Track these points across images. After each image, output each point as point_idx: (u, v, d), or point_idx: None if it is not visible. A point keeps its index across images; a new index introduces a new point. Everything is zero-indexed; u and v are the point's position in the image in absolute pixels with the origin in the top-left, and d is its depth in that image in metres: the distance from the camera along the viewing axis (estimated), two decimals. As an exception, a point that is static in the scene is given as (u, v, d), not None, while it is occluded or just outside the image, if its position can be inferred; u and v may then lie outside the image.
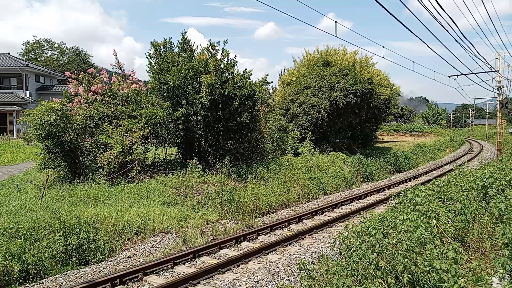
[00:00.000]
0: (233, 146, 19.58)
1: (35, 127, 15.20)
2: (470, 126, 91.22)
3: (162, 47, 19.19)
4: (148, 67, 19.12)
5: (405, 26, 11.23)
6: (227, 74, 18.84)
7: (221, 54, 18.94)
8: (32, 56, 58.14)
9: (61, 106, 15.98)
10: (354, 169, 23.59)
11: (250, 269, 9.04)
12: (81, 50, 62.33)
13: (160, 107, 17.31)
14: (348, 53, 35.50)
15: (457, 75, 28.79)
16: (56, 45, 60.90)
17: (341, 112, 27.98)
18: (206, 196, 14.39)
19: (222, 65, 18.59)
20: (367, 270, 4.88)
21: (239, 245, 10.84)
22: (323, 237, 11.60)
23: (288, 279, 8.08)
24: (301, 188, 17.25)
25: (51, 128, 15.09)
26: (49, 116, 15.05)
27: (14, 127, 35.42)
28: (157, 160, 19.64)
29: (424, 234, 5.39)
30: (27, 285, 8.20)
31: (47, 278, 8.51)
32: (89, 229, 9.97)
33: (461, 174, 10.77)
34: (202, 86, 17.70)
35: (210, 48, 19.18)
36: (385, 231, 5.93)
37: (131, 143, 16.38)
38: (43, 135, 15.20)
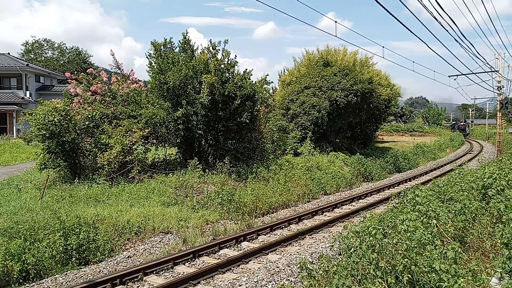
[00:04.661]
0: (233, 146, 19.57)
1: (38, 127, 15.18)
2: (470, 126, 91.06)
3: (162, 47, 19.19)
4: (148, 67, 19.12)
5: (405, 26, 11.23)
6: (227, 74, 18.84)
7: (222, 54, 18.93)
8: (32, 56, 58.10)
9: (64, 106, 16.01)
10: (354, 169, 23.59)
11: (250, 269, 9.05)
12: (81, 50, 62.34)
13: (160, 107, 17.31)
14: (348, 53, 35.46)
15: (457, 75, 28.84)
16: (56, 45, 60.89)
17: (341, 112, 27.97)
18: (206, 196, 14.40)
19: (222, 65, 18.58)
20: (367, 270, 4.88)
21: (239, 245, 10.84)
22: (323, 237, 11.61)
23: (288, 279, 8.09)
24: (301, 188, 17.26)
25: (54, 128, 15.09)
26: (53, 116, 15.06)
27: (14, 127, 35.41)
28: (157, 160, 19.65)
29: (424, 234, 5.39)
30: (27, 285, 8.20)
31: (47, 278, 8.52)
32: (89, 229, 9.98)
33: (461, 174, 10.76)
34: (203, 86, 17.69)
35: (210, 48, 19.17)
36: (385, 231, 5.93)
37: (131, 143, 16.39)
38: (46, 135, 15.20)
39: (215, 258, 9.89)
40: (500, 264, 4.44)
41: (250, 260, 9.56)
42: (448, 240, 6.01)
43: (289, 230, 12.45)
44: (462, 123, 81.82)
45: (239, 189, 15.56)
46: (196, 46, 20.09)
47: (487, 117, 77.39)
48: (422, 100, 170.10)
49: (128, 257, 9.88)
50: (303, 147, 25.35)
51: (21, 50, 58.51)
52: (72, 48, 62.02)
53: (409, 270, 4.65)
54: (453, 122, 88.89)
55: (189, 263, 9.48)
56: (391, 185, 20.91)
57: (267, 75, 20.27)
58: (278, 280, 8.00)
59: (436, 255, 4.73)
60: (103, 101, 18.47)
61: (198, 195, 14.76)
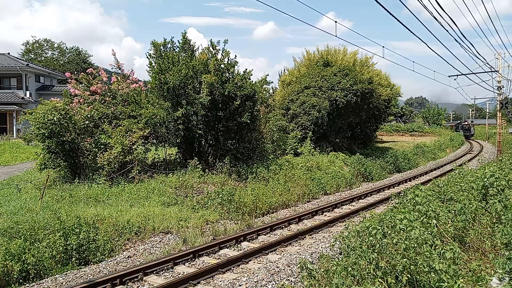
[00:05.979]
0: (233, 146, 19.57)
1: (37, 126, 15.18)
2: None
3: (162, 47, 19.18)
4: (148, 67, 19.12)
5: (405, 26, 11.23)
6: (227, 74, 18.84)
7: (222, 54, 18.93)
8: (32, 56, 58.08)
9: (64, 105, 16.01)
10: (354, 169, 23.59)
11: (250, 269, 9.04)
12: (81, 50, 62.32)
13: (160, 107, 17.31)
14: (348, 53, 35.49)
15: (457, 75, 28.84)
16: (56, 45, 60.85)
17: (341, 112, 27.98)
18: (206, 196, 14.40)
19: (222, 65, 18.59)
20: (367, 270, 4.88)
21: (239, 245, 10.84)
22: (323, 237, 11.60)
23: (288, 279, 8.09)
24: (301, 188, 17.25)
25: (54, 127, 15.09)
26: (52, 115, 15.07)
27: (14, 127, 35.40)
28: (157, 160, 19.64)
29: (421, 234, 5.39)
30: (27, 285, 8.20)
31: (47, 278, 8.51)
32: (89, 229, 9.98)
33: (461, 174, 10.76)
34: (202, 86, 17.70)
35: (210, 48, 19.17)
36: (385, 231, 5.93)
37: (131, 143, 16.38)
38: (46, 134, 15.19)
39: (215, 258, 9.88)
40: (500, 264, 4.44)
41: (250, 260, 9.56)
42: (448, 240, 6.01)
43: (289, 230, 12.44)
44: (466, 123, 72.08)
45: (239, 189, 15.55)
46: (196, 46, 20.10)
47: (487, 117, 77.24)
48: (421, 100, 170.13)
49: (128, 257, 9.87)
50: (303, 147, 25.35)
51: (21, 50, 58.56)
52: (72, 48, 62.05)
53: (408, 270, 4.65)
54: (457, 122, 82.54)
55: (189, 263, 9.48)
56: (391, 185, 20.91)
57: (267, 75, 20.31)
58: (278, 280, 8.00)
59: (436, 255, 4.73)
60: (103, 101, 18.47)
61: (198, 195, 14.76)
